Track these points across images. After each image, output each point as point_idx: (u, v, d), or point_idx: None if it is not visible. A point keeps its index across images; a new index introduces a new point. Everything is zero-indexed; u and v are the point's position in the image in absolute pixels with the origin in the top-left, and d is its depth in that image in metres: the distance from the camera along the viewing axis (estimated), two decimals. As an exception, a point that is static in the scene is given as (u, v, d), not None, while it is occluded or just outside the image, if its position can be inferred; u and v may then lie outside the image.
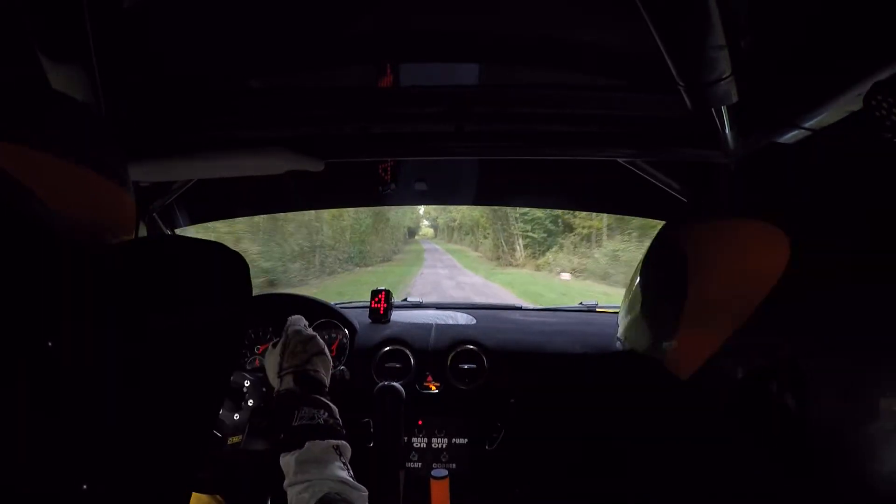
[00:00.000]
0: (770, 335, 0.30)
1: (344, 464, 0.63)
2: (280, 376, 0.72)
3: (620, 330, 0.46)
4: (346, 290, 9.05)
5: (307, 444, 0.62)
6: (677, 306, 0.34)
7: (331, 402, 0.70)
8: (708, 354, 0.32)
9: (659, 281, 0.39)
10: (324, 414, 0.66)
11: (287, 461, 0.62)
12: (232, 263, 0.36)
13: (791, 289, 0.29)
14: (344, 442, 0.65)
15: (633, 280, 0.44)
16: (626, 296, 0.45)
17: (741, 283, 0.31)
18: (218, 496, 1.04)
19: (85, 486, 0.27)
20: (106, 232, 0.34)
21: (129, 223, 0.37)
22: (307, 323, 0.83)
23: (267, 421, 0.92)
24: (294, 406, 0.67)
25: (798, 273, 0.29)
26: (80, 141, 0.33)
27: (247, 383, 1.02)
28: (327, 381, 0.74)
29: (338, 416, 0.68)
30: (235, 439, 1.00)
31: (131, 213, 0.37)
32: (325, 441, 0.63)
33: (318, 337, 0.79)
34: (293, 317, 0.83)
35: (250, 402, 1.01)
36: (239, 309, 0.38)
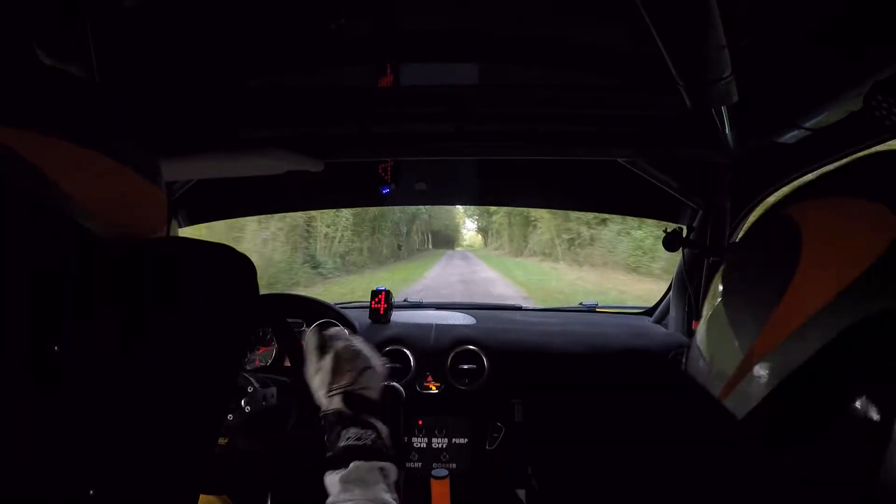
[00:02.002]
0: (862, 306, 0.29)
1: (388, 486, 0.62)
2: (329, 396, 0.71)
3: (700, 338, 0.43)
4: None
5: (353, 465, 0.61)
6: (781, 284, 0.32)
7: (380, 421, 0.69)
8: (791, 330, 0.31)
9: (762, 264, 0.36)
10: (371, 435, 0.66)
11: (332, 479, 0.62)
12: (238, 265, 0.36)
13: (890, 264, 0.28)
14: (390, 464, 0.64)
15: (714, 287, 0.41)
16: (707, 308, 0.42)
17: (842, 256, 0.30)
18: (225, 496, 1.04)
19: (91, 492, 0.26)
20: (139, 229, 0.33)
21: (160, 222, 0.36)
22: (348, 332, 0.80)
23: (264, 425, 0.91)
24: (342, 426, 0.66)
25: None
26: (107, 132, 0.32)
27: (250, 388, 1.01)
28: (377, 397, 0.72)
29: (386, 437, 0.67)
30: (222, 441, 0.99)
31: (163, 212, 0.37)
32: (371, 462, 0.62)
33: (365, 350, 0.76)
34: (334, 329, 0.80)
35: (248, 409, 1.00)
36: (245, 311, 0.37)
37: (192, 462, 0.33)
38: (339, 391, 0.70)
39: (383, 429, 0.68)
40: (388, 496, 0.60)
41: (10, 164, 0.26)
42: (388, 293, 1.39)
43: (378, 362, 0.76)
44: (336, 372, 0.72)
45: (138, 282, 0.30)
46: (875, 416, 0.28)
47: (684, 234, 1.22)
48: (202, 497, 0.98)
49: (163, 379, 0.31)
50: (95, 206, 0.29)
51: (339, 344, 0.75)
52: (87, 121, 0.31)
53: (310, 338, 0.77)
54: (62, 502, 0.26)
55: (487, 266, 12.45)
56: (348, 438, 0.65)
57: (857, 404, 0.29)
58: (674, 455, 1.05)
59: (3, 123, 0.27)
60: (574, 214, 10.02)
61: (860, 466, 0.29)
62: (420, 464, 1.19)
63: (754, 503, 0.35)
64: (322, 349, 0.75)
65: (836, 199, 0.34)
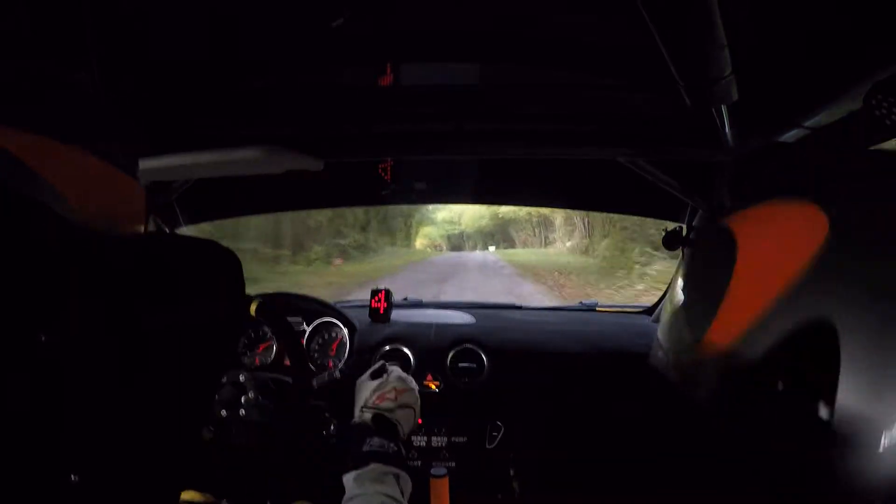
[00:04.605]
0: (803, 310, 0.29)
1: (402, 491, 0.64)
2: (362, 410, 0.76)
3: (660, 332, 0.48)
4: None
5: (371, 465, 0.64)
6: (723, 284, 0.34)
7: (402, 447, 0.72)
8: (744, 327, 0.32)
9: (705, 267, 0.40)
10: (393, 447, 0.69)
11: (348, 478, 0.65)
12: (225, 261, 0.36)
13: (828, 264, 0.29)
14: (406, 475, 0.66)
15: (672, 285, 0.46)
16: (666, 302, 0.47)
17: (779, 258, 0.31)
18: (208, 495, 1.04)
19: (75, 478, 0.27)
20: (117, 223, 0.34)
21: (139, 214, 0.37)
22: (413, 379, 0.85)
23: (253, 434, 0.91)
24: (367, 434, 0.70)
25: (835, 249, 0.29)
26: (89, 129, 0.33)
27: (251, 394, 1.01)
28: (404, 434, 0.76)
29: (404, 455, 0.70)
30: (206, 435, 0.99)
31: (140, 203, 0.37)
32: (389, 467, 0.65)
33: (416, 392, 0.81)
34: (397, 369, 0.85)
35: (242, 412, 1.00)
36: (232, 304, 0.38)
37: (177, 452, 0.34)
38: (372, 410, 0.75)
39: (403, 450, 0.71)
40: (399, 496, 0.62)
41: (5, 162, 0.26)
42: (387, 292, 1.40)
43: (418, 408, 0.81)
44: (378, 393, 0.77)
45: (125, 274, 0.30)
46: (811, 417, 0.28)
47: (684, 234, 1.22)
48: (190, 493, 0.98)
49: (149, 369, 0.31)
50: (74, 196, 0.30)
51: (395, 373, 0.81)
52: (68, 118, 0.32)
53: (373, 367, 0.84)
54: (45, 487, 0.26)
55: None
56: (371, 445, 0.68)
57: (796, 405, 0.29)
58: (671, 449, 1.05)
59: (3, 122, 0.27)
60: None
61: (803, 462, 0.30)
62: (419, 462, 1.19)
63: (747, 492, 0.36)
64: (380, 372, 0.82)
65: (768, 205, 0.35)
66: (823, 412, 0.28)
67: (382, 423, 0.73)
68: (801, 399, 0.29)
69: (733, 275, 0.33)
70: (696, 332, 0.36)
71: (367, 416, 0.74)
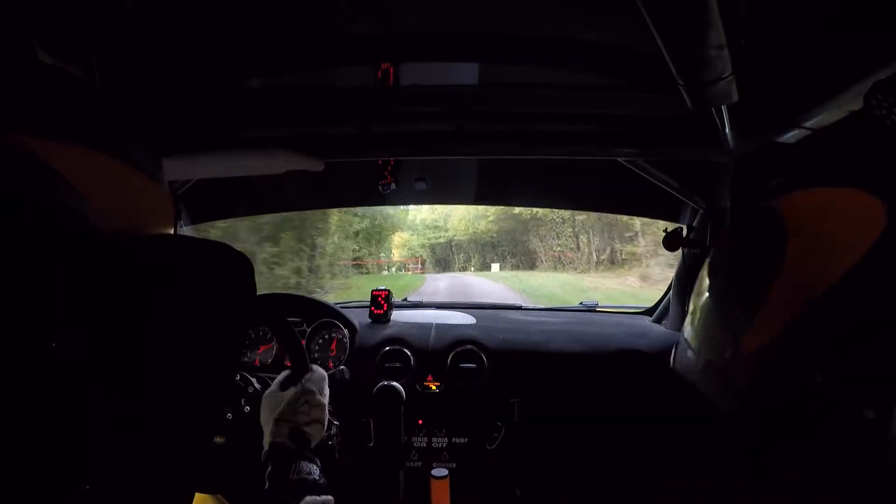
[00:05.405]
0: (855, 304, 0.28)
1: None
2: (277, 423, 0.75)
3: (688, 334, 0.42)
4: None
5: (305, 500, 0.65)
6: (764, 278, 0.31)
7: (314, 456, 0.73)
8: (784, 324, 0.30)
9: (741, 261, 0.36)
10: (316, 470, 0.70)
11: None
12: (236, 264, 0.36)
13: (883, 257, 0.27)
14: (330, 497, 0.68)
15: (700, 282, 0.41)
16: (693, 302, 0.42)
17: (829, 250, 0.29)
18: (219, 495, 1.04)
19: (88, 487, 0.27)
20: (143, 226, 0.34)
21: (166, 218, 0.37)
22: (327, 380, 0.84)
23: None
24: (290, 460, 0.70)
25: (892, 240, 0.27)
26: (112, 133, 0.33)
27: (251, 389, 1.01)
28: (314, 444, 0.77)
29: (321, 471, 0.72)
30: (219, 439, 1.00)
31: (169, 207, 0.37)
32: (321, 497, 0.66)
33: (327, 407, 0.81)
34: (318, 372, 0.83)
35: (247, 409, 1.00)
36: (242, 309, 0.38)
37: (189, 458, 0.34)
38: (287, 423, 0.74)
39: (319, 462, 0.72)
40: None
41: (29, 167, 0.26)
42: (388, 293, 1.40)
43: (327, 418, 0.80)
44: (293, 407, 0.76)
45: (135, 278, 0.30)
46: (870, 415, 0.27)
47: (684, 234, 1.22)
48: (197, 495, 0.98)
49: (159, 375, 0.31)
50: (106, 205, 0.30)
51: (307, 387, 0.79)
52: (98, 124, 0.32)
53: (280, 377, 0.82)
54: (58, 498, 0.26)
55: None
56: (298, 472, 0.69)
57: (852, 404, 0.28)
58: (671, 449, 1.05)
59: (21, 131, 0.27)
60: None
61: (854, 464, 0.28)
62: (420, 463, 1.19)
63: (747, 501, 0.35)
64: (285, 384, 0.80)
65: (827, 190, 0.32)
66: (876, 410, 0.26)
67: (300, 437, 0.74)
68: (850, 396, 0.28)
69: (778, 268, 0.31)
70: (733, 331, 0.34)
71: (284, 430, 0.74)
